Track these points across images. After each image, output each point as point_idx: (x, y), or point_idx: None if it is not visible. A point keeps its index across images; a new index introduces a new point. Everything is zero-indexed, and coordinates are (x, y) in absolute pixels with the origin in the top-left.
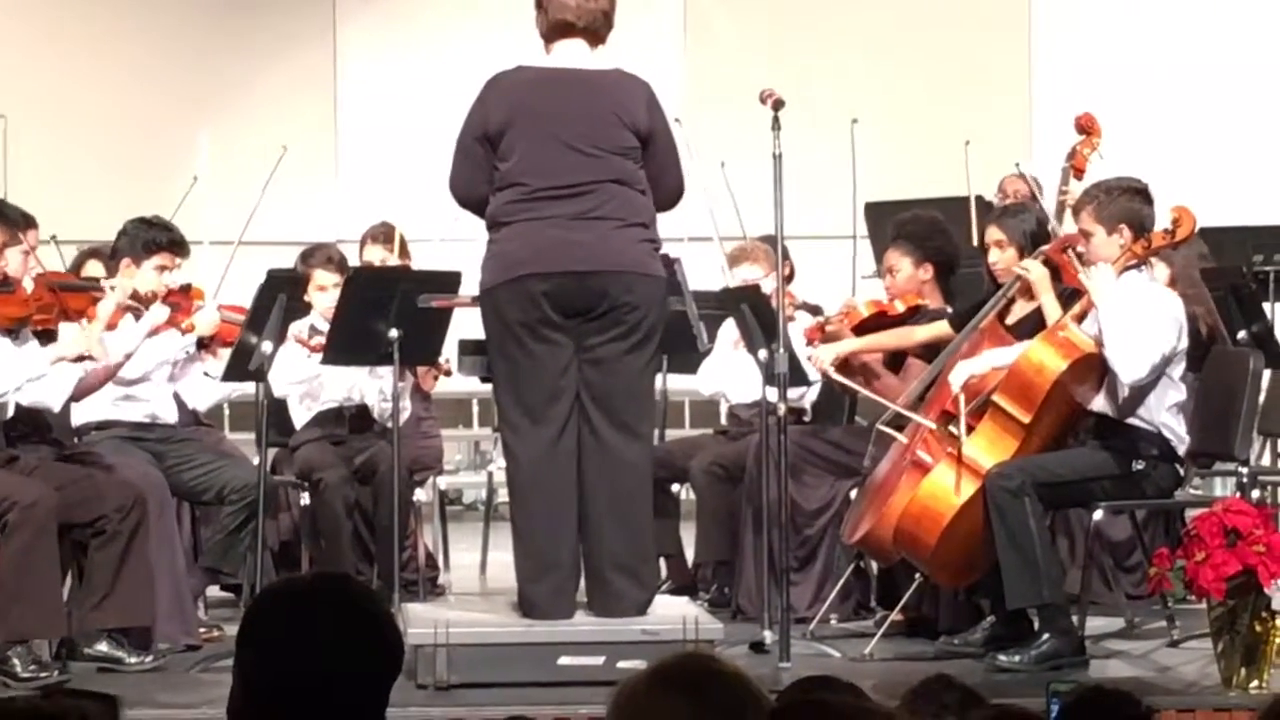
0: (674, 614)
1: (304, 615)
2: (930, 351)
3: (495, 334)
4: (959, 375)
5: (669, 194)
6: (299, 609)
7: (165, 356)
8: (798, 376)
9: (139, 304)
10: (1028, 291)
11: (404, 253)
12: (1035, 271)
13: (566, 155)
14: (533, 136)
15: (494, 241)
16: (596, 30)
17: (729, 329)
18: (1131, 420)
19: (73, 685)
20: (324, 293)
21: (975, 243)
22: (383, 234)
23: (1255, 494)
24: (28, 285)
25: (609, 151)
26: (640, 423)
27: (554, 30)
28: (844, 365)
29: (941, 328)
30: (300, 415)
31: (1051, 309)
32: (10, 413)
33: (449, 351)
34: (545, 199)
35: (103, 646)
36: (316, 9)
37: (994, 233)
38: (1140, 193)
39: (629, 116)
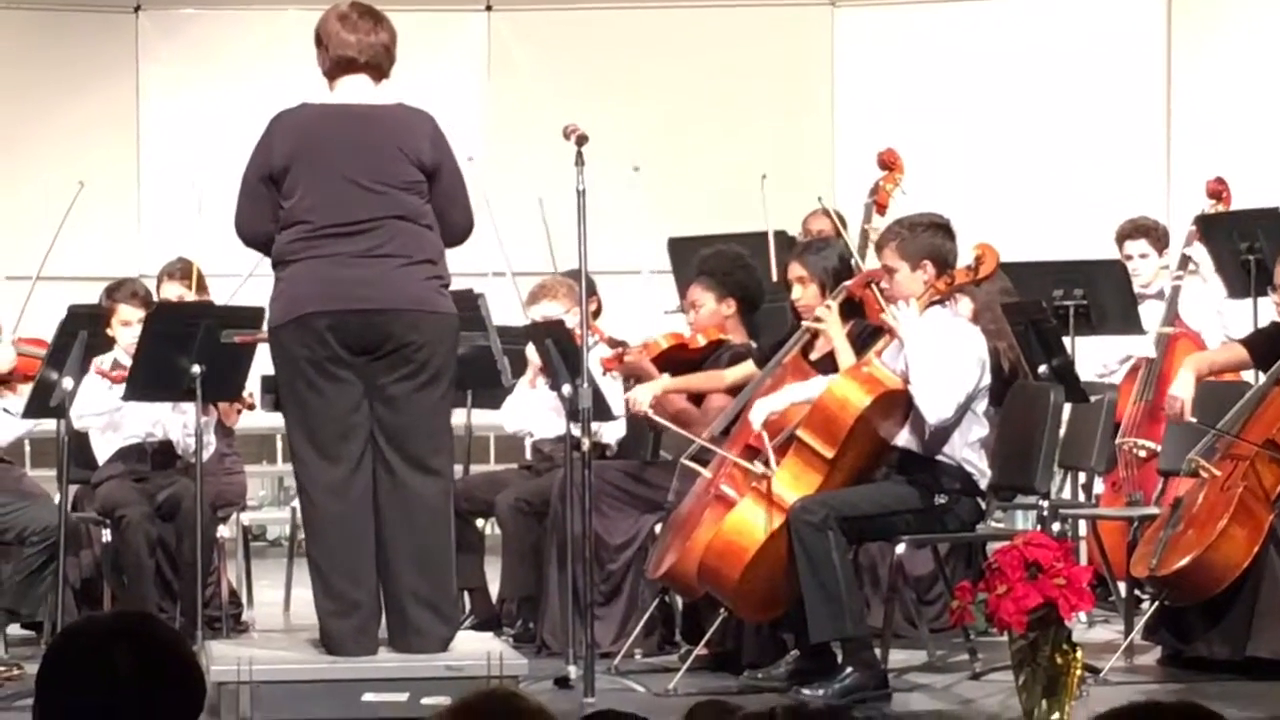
0: (478, 650)
1: (104, 655)
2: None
3: (284, 372)
4: (759, 412)
5: (457, 229)
6: (99, 649)
7: None
8: (601, 411)
9: None
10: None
11: (201, 288)
12: (826, 321)
13: (350, 191)
14: (315, 173)
15: (279, 280)
16: (379, 65)
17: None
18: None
19: None
20: (128, 328)
21: (775, 278)
22: (179, 270)
23: (1056, 527)
24: None
25: (393, 187)
26: (436, 459)
27: (336, 67)
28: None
29: (749, 368)
30: (102, 448)
31: (845, 356)
32: None
33: (252, 386)
34: (329, 236)
35: None
36: (118, 42)
37: (796, 269)
38: (943, 228)
39: (412, 150)
